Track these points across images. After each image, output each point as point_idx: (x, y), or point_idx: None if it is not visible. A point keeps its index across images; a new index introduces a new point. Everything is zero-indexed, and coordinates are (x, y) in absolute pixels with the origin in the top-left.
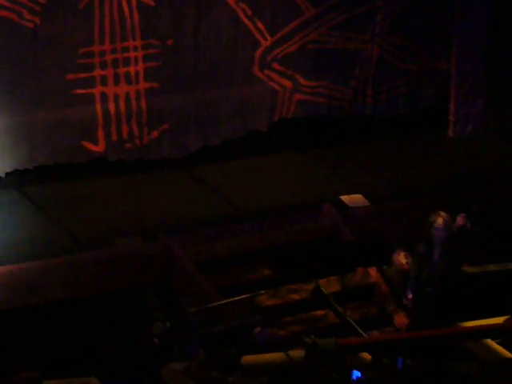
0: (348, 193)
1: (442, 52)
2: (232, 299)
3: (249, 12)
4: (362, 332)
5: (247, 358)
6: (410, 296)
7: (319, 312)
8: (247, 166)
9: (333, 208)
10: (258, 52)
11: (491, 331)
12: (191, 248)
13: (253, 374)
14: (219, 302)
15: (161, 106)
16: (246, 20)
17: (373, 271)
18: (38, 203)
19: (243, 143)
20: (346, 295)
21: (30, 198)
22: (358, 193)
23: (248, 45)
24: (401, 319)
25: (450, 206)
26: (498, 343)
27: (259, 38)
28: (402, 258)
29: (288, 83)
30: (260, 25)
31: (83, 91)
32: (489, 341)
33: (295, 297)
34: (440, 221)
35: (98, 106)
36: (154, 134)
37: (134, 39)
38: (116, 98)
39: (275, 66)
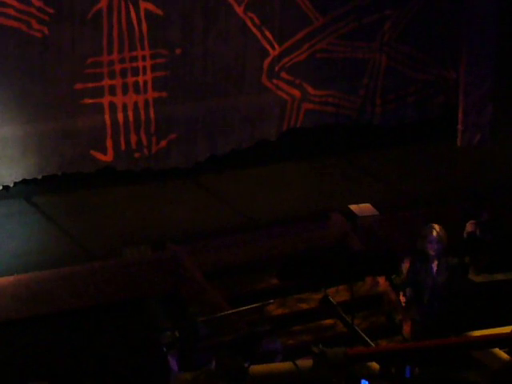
0: (356, 202)
1: (450, 61)
2: (240, 308)
3: (257, 21)
4: (370, 341)
5: (255, 368)
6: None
7: (328, 321)
8: (255, 175)
9: (341, 217)
10: (267, 61)
11: (499, 340)
12: (199, 257)
13: (260, 383)
14: (227, 312)
15: (169, 116)
16: (254, 29)
17: (381, 280)
18: (46, 213)
19: (251, 152)
20: (354, 304)
21: (38, 207)
22: (367, 202)
23: (256, 54)
24: (409, 328)
25: (458, 215)
26: (506, 352)
27: (267, 47)
28: None
29: (296, 92)
30: (268, 34)
31: (92, 101)
32: (497, 350)
33: (304, 306)
34: (434, 233)
35: (107, 116)
36: (163, 143)
37: (142, 49)
38: (124, 107)
39: (283, 75)
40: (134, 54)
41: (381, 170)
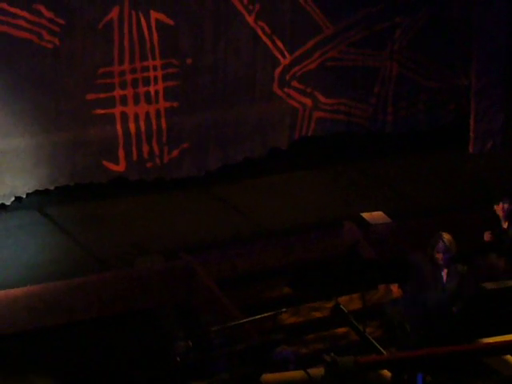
0: (369, 210)
1: (461, 68)
2: (254, 317)
3: (268, 30)
4: (382, 349)
5: (268, 377)
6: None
7: (341, 330)
8: (267, 183)
9: (354, 225)
10: (278, 70)
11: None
12: (212, 266)
13: None
14: (241, 320)
15: (181, 125)
16: (265, 38)
17: (394, 288)
18: (58, 223)
19: (263, 161)
20: (367, 313)
21: (50, 218)
22: (379, 210)
23: (267, 63)
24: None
25: (470, 223)
26: None
27: (278, 56)
28: None
29: (308, 101)
30: (279, 43)
31: (103, 111)
32: (509, 356)
33: (317, 315)
34: (441, 243)
35: (119, 126)
36: (175, 153)
37: (153, 59)
38: (136, 117)
39: (295, 83)
40: (145, 64)
41: (393, 178)
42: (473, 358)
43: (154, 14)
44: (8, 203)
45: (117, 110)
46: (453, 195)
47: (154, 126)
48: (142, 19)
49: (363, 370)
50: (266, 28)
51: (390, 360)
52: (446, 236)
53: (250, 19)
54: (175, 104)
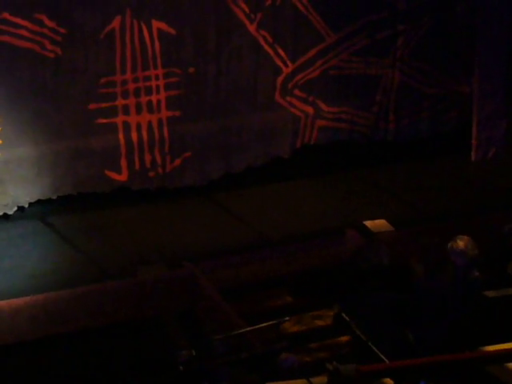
0: (371, 218)
1: (463, 75)
2: (257, 326)
3: (269, 39)
4: (384, 358)
5: None
6: None
7: (344, 338)
8: (270, 192)
9: (356, 233)
10: (280, 79)
11: None
12: (215, 275)
13: None
14: (244, 329)
15: (183, 134)
16: (266, 47)
17: None
18: (61, 233)
19: (266, 170)
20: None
21: (53, 227)
22: (382, 218)
23: (269, 72)
24: None
25: (473, 230)
26: None
27: (280, 64)
28: None
29: (310, 109)
30: (281, 51)
31: (105, 121)
32: (511, 365)
33: (320, 323)
34: (455, 246)
35: (121, 135)
36: (177, 162)
37: (155, 68)
38: (138, 126)
39: (297, 92)
40: (147, 73)
41: (395, 186)
42: (475, 366)
43: (155, 24)
44: (10, 213)
45: (119, 120)
46: (455, 202)
47: (157, 136)
48: (144, 28)
49: (365, 379)
50: (268, 37)
51: (392, 368)
52: (462, 240)
53: (251, 28)
54: (177, 113)
